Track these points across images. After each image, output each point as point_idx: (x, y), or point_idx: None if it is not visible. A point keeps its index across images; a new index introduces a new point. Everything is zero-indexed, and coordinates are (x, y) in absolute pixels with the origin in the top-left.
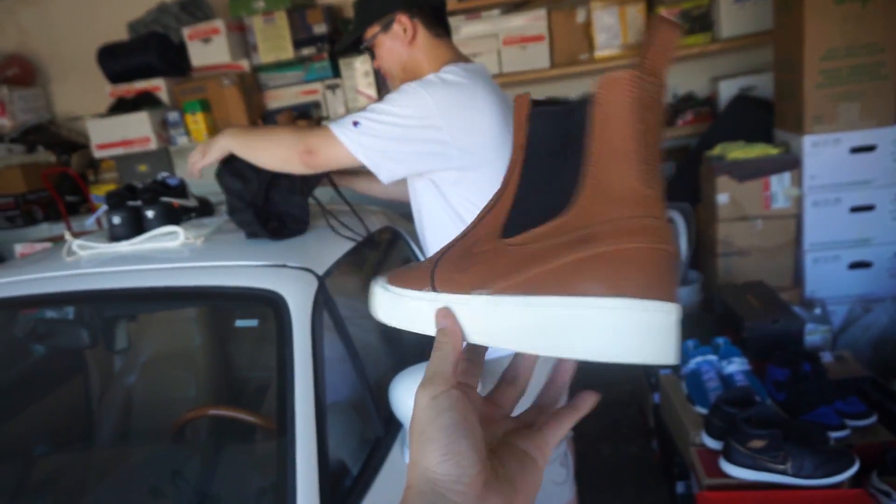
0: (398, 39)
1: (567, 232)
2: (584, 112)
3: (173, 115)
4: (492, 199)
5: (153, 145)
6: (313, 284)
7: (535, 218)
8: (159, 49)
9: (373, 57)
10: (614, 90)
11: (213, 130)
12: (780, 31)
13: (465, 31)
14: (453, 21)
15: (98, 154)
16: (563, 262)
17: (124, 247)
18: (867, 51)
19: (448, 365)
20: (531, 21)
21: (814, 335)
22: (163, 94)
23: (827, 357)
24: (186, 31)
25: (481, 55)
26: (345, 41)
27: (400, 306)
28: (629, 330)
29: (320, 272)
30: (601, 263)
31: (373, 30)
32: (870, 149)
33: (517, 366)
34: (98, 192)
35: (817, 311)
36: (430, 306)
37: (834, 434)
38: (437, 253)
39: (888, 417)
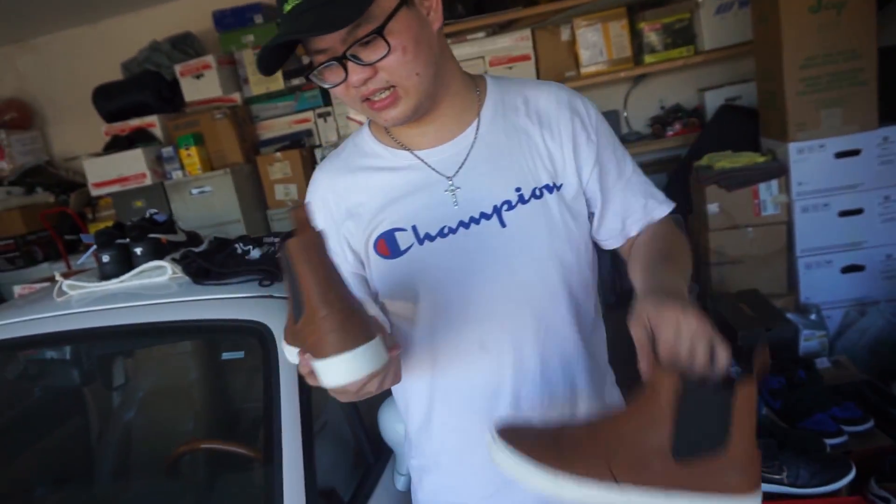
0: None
1: (729, 468)
2: (730, 398)
3: (168, 151)
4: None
5: (149, 181)
6: None
7: (696, 451)
8: (153, 87)
9: None
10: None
11: (206, 163)
12: (759, 41)
13: None
14: None
15: (95, 192)
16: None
17: (113, 284)
18: (845, 57)
19: None
20: (516, 41)
21: (811, 341)
22: (157, 131)
23: (824, 363)
24: (178, 68)
25: None
26: None
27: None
28: None
29: None
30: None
31: None
32: (854, 153)
33: None
34: (94, 230)
35: (812, 316)
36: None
37: (831, 441)
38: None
39: (887, 421)
